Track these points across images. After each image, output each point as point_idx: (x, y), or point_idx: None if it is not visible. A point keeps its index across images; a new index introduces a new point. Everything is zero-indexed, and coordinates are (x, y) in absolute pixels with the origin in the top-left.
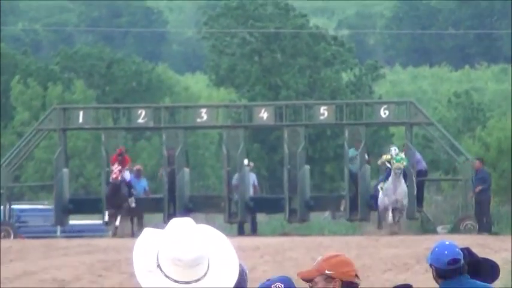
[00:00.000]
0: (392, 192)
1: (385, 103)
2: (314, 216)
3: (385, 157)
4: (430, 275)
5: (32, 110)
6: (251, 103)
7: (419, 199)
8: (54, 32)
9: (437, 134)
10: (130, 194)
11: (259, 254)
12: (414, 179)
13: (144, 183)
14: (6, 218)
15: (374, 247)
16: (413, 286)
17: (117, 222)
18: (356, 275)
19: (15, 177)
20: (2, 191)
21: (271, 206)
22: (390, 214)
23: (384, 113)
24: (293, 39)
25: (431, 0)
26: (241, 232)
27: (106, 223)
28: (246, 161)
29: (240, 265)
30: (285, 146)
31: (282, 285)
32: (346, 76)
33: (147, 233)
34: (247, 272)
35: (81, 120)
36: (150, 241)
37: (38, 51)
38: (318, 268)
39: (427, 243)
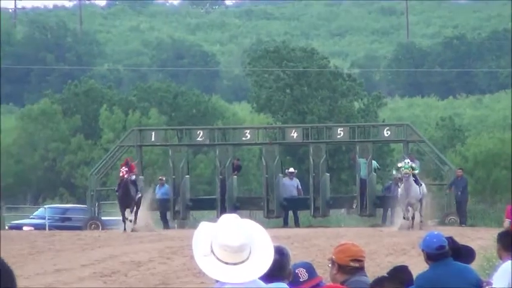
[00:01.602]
0: (405, 196)
1: (387, 125)
2: (333, 212)
3: (400, 164)
4: (422, 258)
5: (116, 131)
6: (284, 125)
7: None
8: (132, 70)
9: (427, 149)
10: (137, 191)
11: (290, 241)
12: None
13: (164, 189)
14: (96, 214)
15: (379, 236)
16: (409, 267)
17: (132, 217)
18: (353, 260)
19: (102, 182)
20: (92, 193)
21: (300, 204)
22: (405, 214)
23: (386, 133)
24: (317, 76)
25: (422, 45)
26: (286, 223)
27: (124, 220)
28: (291, 169)
29: (285, 249)
30: (311, 158)
31: (304, 270)
32: (357, 104)
33: (203, 225)
34: (290, 253)
35: (153, 138)
36: (205, 232)
37: (120, 86)
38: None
39: (419, 233)
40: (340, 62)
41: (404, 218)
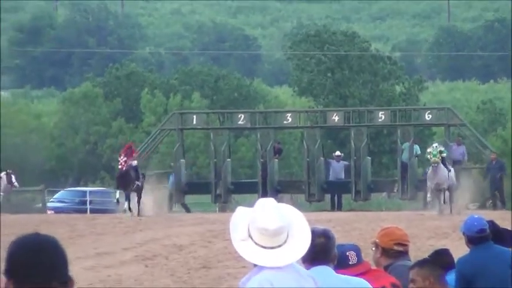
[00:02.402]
0: (432, 178)
1: (428, 109)
2: (374, 196)
3: (429, 150)
4: (463, 241)
5: (157, 114)
6: (325, 109)
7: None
8: (173, 54)
9: (468, 132)
10: (137, 177)
11: (332, 225)
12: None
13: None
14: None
15: (420, 220)
16: (450, 250)
17: (129, 200)
18: (397, 244)
19: (143, 166)
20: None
21: (341, 188)
22: (429, 195)
23: (427, 116)
24: (358, 59)
25: (463, 29)
26: (333, 207)
27: (117, 200)
28: (338, 152)
29: (330, 232)
30: (352, 142)
31: (354, 254)
32: (398, 88)
33: (240, 210)
34: (335, 237)
35: (194, 122)
36: (242, 216)
37: (161, 69)
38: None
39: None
40: (381, 45)
41: (428, 202)
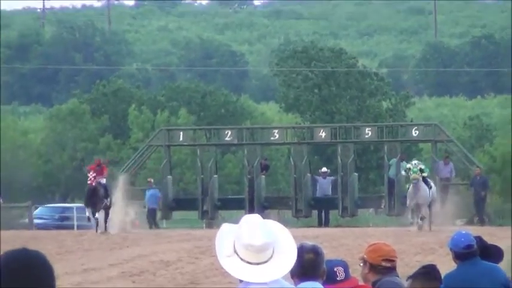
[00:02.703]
0: (412, 196)
1: (415, 125)
2: (361, 212)
3: (408, 166)
4: (450, 257)
5: (144, 130)
6: (312, 125)
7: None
8: (160, 70)
9: (455, 148)
10: (106, 195)
11: (319, 241)
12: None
13: (153, 191)
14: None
15: (407, 235)
16: (437, 266)
17: (97, 216)
18: (385, 259)
19: (131, 182)
20: (120, 194)
21: (328, 204)
22: (410, 214)
23: (414, 132)
24: (345, 75)
25: (450, 45)
26: (320, 223)
27: (88, 219)
28: (324, 169)
29: (320, 248)
30: (339, 158)
31: (342, 269)
32: (385, 104)
33: (225, 226)
34: (324, 253)
35: (181, 138)
36: (227, 233)
37: (148, 86)
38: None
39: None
40: (368, 61)
41: (409, 218)
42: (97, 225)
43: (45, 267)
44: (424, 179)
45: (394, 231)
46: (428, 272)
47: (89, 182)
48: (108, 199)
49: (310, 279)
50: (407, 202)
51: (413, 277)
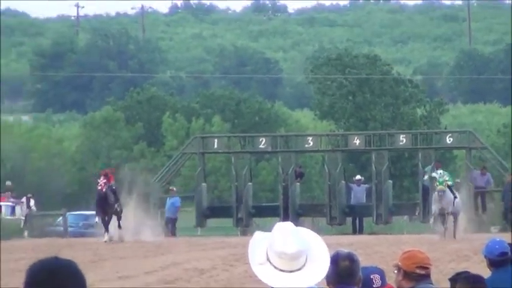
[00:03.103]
0: (438, 203)
1: (449, 132)
2: (395, 219)
3: (434, 175)
4: (484, 264)
5: (178, 138)
6: (346, 132)
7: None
8: (194, 78)
9: (489, 156)
10: (116, 200)
11: (353, 248)
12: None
13: (174, 199)
14: (158, 221)
15: (441, 242)
16: (471, 273)
17: (109, 225)
18: (419, 267)
19: (165, 190)
20: (155, 202)
21: (362, 211)
22: (432, 221)
23: (448, 139)
24: (379, 82)
25: (484, 52)
26: (354, 230)
27: (96, 223)
28: (358, 176)
29: (356, 255)
30: (373, 166)
31: (379, 277)
32: (419, 111)
33: (258, 234)
34: (359, 260)
35: (216, 146)
36: (260, 241)
37: (182, 93)
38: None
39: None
40: (402, 68)
41: (432, 226)
42: (106, 232)
43: (76, 276)
44: (450, 189)
45: (429, 239)
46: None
47: (99, 188)
48: (119, 204)
49: (346, 287)
50: (433, 208)
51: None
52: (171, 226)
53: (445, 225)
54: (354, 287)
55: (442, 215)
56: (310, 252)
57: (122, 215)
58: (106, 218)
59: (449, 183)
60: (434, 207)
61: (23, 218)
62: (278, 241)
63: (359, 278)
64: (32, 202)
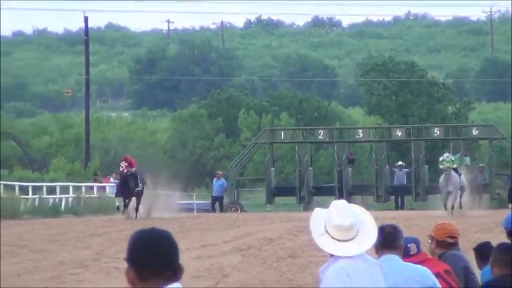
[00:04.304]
0: (445, 185)
1: (475, 125)
2: (431, 197)
3: (441, 159)
4: (504, 235)
5: (251, 130)
6: (390, 126)
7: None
8: (265, 81)
9: (509, 145)
10: (136, 184)
11: (396, 221)
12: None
13: (222, 182)
14: (235, 199)
15: (468, 217)
16: (492, 243)
17: (129, 206)
18: (449, 236)
19: (240, 173)
20: (232, 183)
21: (403, 191)
22: (449, 201)
23: (474, 132)
24: (417, 85)
25: (505, 59)
26: (397, 207)
27: (117, 208)
28: (400, 162)
29: (399, 227)
30: (412, 153)
31: (415, 245)
32: (450, 109)
33: (317, 210)
34: (402, 231)
35: (282, 137)
36: (319, 216)
37: (254, 94)
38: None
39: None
40: (436, 73)
41: (444, 205)
42: (124, 210)
43: (171, 243)
44: (455, 169)
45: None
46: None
47: (121, 169)
48: (140, 186)
49: (390, 252)
50: (440, 190)
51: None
52: (218, 204)
53: (453, 202)
54: (397, 252)
55: (449, 193)
56: (361, 224)
57: None
58: (125, 200)
59: (455, 165)
60: (442, 189)
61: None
62: (335, 216)
63: (401, 246)
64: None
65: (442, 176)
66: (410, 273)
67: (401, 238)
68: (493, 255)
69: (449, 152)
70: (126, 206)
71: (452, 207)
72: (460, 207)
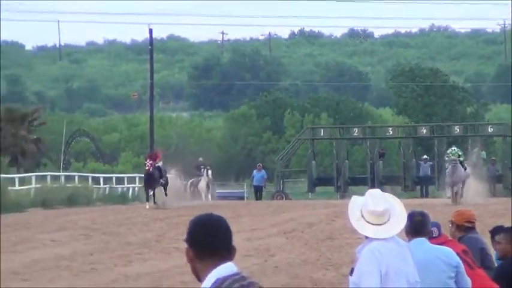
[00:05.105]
0: (450, 175)
1: (491, 124)
2: None
3: (448, 151)
4: None
5: (295, 128)
6: (416, 124)
7: None
8: (307, 85)
9: None
10: (161, 176)
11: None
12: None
13: (262, 173)
14: (281, 189)
15: (484, 204)
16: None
17: (154, 196)
18: (467, 221)
19: (285, 166)
20: (278, 174)
21: (428, 181)
22: (449, 191)
23: (490, 129)
24: (440, 88)
25: None
26: (422, 195)
27: (147, 199)
28: (425, 156)
29: (427, 213)
30: (435, 148)
31: (436, 229)
32: (469, 109)
33: (354, 198)
34: (430, 217)
35: (322, 134)
36: (356, 202)
37: (298, 96)
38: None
39: None
40: (456, 78)
41: (448, 195)
42: (152, 200)
43: (225, 226)
44: (461, 163)
45: (474, 201)
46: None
47: (146, 168)
48: (164, 178)
49: (419, 236)
50: (446, 180)
51: (504, 231)
52: (259, 193)
53: (455, 192)
54: (425, 235)
55: (455, 184)
56: (393, 211)
57: None
58: (150, 191)
59: (461, 158)
60: (448, 179)
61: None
62: (370, 203)
63: (429, 231)
64: (209, 172)
65: (449, 167)
66: (436, 253)
67: (429, 224)
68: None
69: (454, 146)
70: (152, 196)
71: (457, 195)
72: (461, 196)
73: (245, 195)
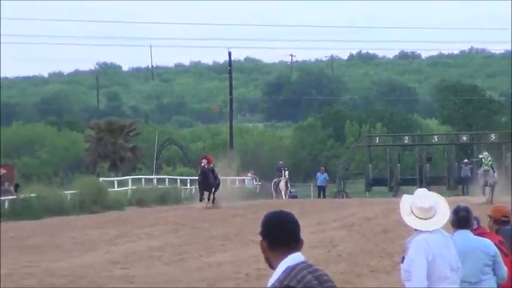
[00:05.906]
0: (484, 178)
1: None
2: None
3: (480, 156)
4: None
5: (354, 136)
6: (458, 132)
7: None
8: (363, 99)
9: None
10: (215, 178)
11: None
12: None
13: (325, 175)
14: (342, 188)
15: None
16: None
17: (208, 197)
18: (504, 215)
19: (346, 169)
20: (339, 175)
21: (468, 182)
22: (484, 192)
23: None
24: (478, 102)
25: None
26: (463, 193)
27: (201, 200)
28: (466, 160)
29: (470, 209)
30: (475, 153)
31: (475, 222)
32: (503, 119)
33: (405, 196)
34: (472, 212)
35: (377, 141)
36: (406, 200)
37: (356, 109)
38: None
39: None
40: (492, 93)
41: (483, 193)
42: (206, 200)
43: (294, 221)
44: (491, 167)
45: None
46: None
47: (202, 165)
48: (218, 180)
49: (463, 228)
50: (480, 183)
51: None
52: (322, 192)
53: (488, 193)
54: (468, 228)
55: (486, 186)
56: (438, 207)
57: None
58: (204, 191)
59: (491, 163)
60: (481, 181)
61: (258, 185)
62: (418, 200)
63: (471, 224)
64: (287, 172)
65: (482, 172)
66: (476, 243)
67: (472, 218)
68: None
69: (485, 152)
70: (208, 197)
71: (490, 195)
72: (492, 199)
73: (311, 193)
